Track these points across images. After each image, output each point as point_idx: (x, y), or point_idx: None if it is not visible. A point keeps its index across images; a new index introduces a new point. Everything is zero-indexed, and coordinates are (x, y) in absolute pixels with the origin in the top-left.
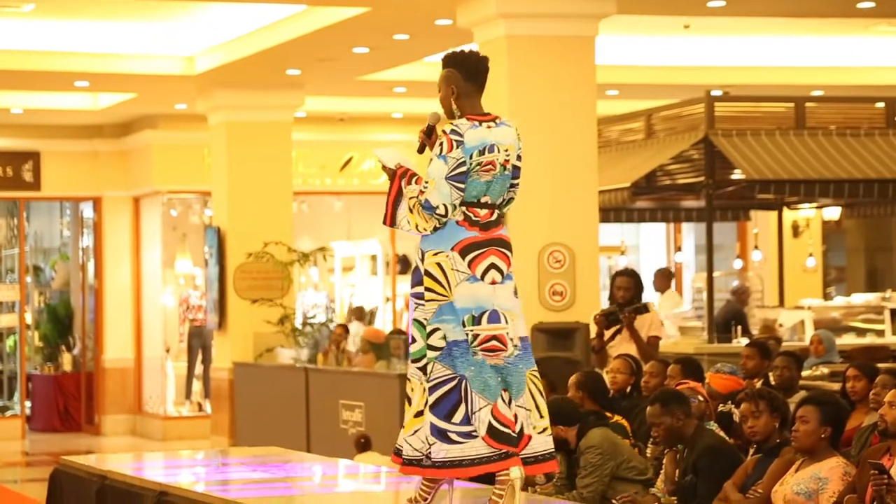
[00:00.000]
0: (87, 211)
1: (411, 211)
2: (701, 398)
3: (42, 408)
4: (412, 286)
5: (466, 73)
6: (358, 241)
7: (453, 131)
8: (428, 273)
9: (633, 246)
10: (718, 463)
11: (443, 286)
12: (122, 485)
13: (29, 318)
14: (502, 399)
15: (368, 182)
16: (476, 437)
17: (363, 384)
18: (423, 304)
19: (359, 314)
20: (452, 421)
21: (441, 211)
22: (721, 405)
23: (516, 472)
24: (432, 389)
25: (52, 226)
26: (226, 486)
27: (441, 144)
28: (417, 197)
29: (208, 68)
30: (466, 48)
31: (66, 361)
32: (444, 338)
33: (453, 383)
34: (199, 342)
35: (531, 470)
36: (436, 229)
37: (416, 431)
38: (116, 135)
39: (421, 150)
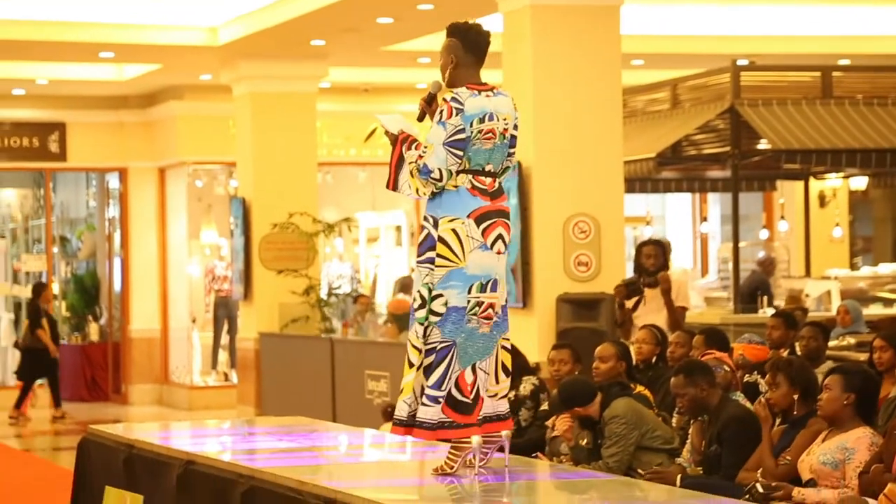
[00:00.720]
0: (113, 182)
1: (412, 175)
2: (727, 368)
3: (70, 377)
4: (422, 253)
5: (467, 45)
6: (382, 212)
7: (454, 99)
8: (441, 239)
9: (658, 216)
10: (743, 433)
11: (455, 253)
12: (150, 454)
13: (56, 289)
14: (471, 367)
15: None
16: (441, 403)
17: (389, 354)
18: (433, 270)
19: (403, 285)
20: (433, 384)
21: (436, 175)
22: (747, 375)
23: (477, 440)
24: (427, 353)
25: (79, 196)
26: (252, 455)
27: (441, 111)
28: (416, 162)
29: (232, 39)
30: (472, 20)
31: (93, 331)
32: (446, 304)
33: (444, 348)
34: (224, 312)
35: (483, 429)
36: (434, 194)
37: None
38: (142, 106)
39: (420, 119)
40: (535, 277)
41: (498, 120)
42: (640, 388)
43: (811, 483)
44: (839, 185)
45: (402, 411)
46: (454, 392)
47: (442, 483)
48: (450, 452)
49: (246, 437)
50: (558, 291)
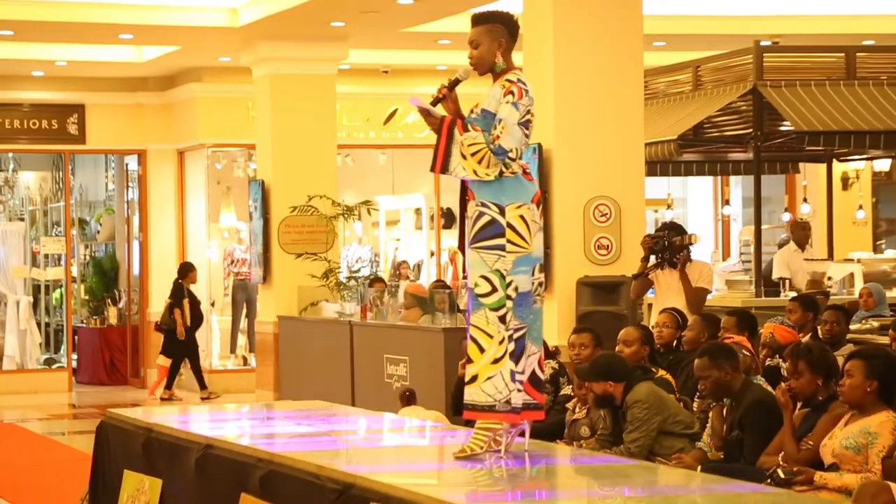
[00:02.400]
0: (132, 164)
1: (465, 157)
2: (745, 353)
3: (88, 361)
4: (484, 238)
5: (510, 30)
6: (402, 195)
7: (520, 80)
8: (511, 226)
9: (679, 199)
10: (765, 418)
11: (524, 238)
12: (168, 437)
13: (75, 272)
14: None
15: (413, 135)
16: (524, 386)
17: (408, 338)
18: (504, 256)
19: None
20: (519, 369)
21: (513, 155)
22: (769, 359)
23: (506, 424)
24: (510, 339)
25: (98, 179)
26: (271, 439)
27: (512, 92)
28: (490, 143)
29: (252, 20)
30: (492, 7)
31: (112, 314)
32: (516, 289)
33: (522, 332)
34: (243, 296)
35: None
36: (493, 181)
37: (489, 378)
38: (161, 87)
39: (434, 103)
40: (556, 260)
41: (533, 104)
42: (661, 373)
43: (833, 467)
44: (862, 167)
45: (480, 398)
46: (537, 371)
47: (462, 468)
48: (478, 432)
49: (264, 421)
50: (578, 275)
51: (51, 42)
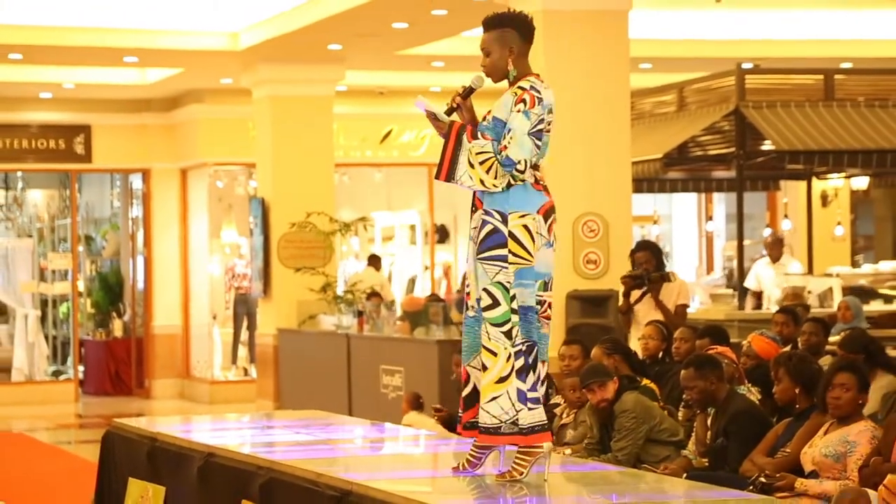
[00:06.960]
0: (137, 182)
1: (472, 166)
2: (726, 362)
3: (94, 372)
4: (488, 248)
5: (522, 33)
6: (397, 212)
7: (533, 87)
8: (513, 235)
9: (665, 215)
10: (749, 427)
11: (527, 250)
12: (172, 446)
13: (81, 286)
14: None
15: (408, 154)
16: (540, 405)
17: (403, 350)
18: (506, 268)
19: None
20: (529, 387)
21: (521, 167)
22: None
23: (549, 445)
24: (517, 355)
25: (103, 197)
26: (271, 447)
27: (524, 101)
28: (498, 153)
29: (252, 44)
30: (504, 10)
31: (117, 327)
32: (520, 303)
33: (529, 348)
34: (244, 309)
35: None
36: (510, 186)
37: (494, 398)
38: (164, 108)
39: (449, 113)
40: None
41: (552, 113)
42: (646, 382)
43: (813, 475)
44: (841, 184)
45: (485, 419)
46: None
47: (456, 476)
48: (520, 457)
49: (264, 431)
50: (568, 288)
51: (58, 65)
